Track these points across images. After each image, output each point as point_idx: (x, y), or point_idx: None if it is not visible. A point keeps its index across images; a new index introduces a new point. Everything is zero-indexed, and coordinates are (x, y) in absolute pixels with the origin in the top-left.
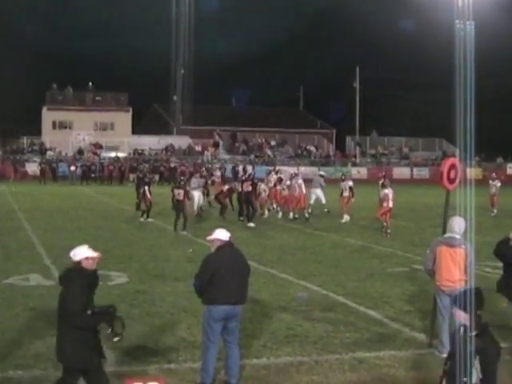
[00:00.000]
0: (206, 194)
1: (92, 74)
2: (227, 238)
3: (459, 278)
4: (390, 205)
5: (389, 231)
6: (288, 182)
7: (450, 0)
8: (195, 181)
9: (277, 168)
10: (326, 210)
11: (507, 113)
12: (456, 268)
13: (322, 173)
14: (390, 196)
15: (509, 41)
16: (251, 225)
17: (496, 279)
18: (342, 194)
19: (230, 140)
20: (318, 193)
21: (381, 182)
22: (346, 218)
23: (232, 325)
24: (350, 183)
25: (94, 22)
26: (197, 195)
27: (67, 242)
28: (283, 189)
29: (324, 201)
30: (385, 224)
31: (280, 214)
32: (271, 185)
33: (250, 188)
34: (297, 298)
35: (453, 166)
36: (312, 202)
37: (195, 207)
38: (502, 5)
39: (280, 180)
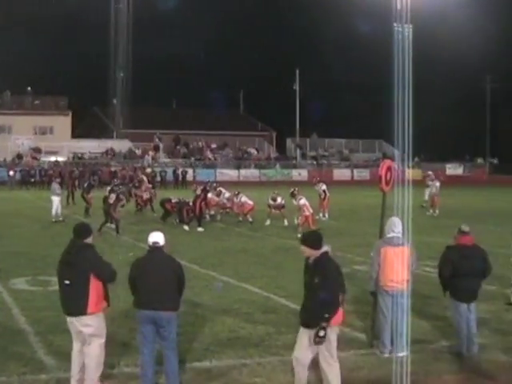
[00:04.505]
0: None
1: (30, 78)
2: (151, 243)
3: (403, 278)
4: (310, 212)
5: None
6: (227, 195)
7: (389, 3)
8: (55, 186)
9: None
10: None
11: (445, 114)
12: (401, 268)
13: None
14: (307, 203)
15: (447, 43)
16: (199, 229)
17: (436, 278)
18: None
19: (172, 143)
20: None
21: (290, 192)
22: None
23: (163, 330)
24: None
25: (31, 25)
26: (56, 200)
27: (5, 249)
28: (224, 200)
29: None
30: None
31: (218, 216)
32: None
33: (199, 193)
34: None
35: (389, 169)
36: None
37: (53, 212)
38: (439, 8)
39: (220, 192)
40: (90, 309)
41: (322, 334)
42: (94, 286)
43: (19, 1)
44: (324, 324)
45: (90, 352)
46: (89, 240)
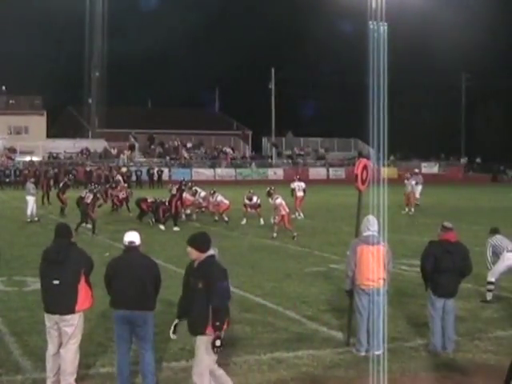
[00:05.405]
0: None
1: (5, 78)
2: (126, 242)
3: (380, 276)
4: (286, 211)
5: (295, 234)
6: (203, 194)
7: (364, 1)
8: (30, 186)
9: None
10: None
11: (420, 113)
12: (377, 266)
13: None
14: (283, 203)
15: (423, 42)
16: (175, 229)
17: (412, 276)
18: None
19: (147, 142)
20: None
21: (267, 191)
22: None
23: (139, 329)
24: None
25: (4, 23)
26: (31, 200)
27: None
28: (199, 199)
29: None
30: (289, 230)
31: (194, 216)
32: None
33: (174, 192)
34: None
35: (365, 168)
36: None
37: (28, 212)
38: (415, 6)
39: (195, 191)
40: (78, 307)
41: (218, 343)
42: (83, 284)
43: None
44: (218, 333)
45: (66, 355)
46: (72, 239)
